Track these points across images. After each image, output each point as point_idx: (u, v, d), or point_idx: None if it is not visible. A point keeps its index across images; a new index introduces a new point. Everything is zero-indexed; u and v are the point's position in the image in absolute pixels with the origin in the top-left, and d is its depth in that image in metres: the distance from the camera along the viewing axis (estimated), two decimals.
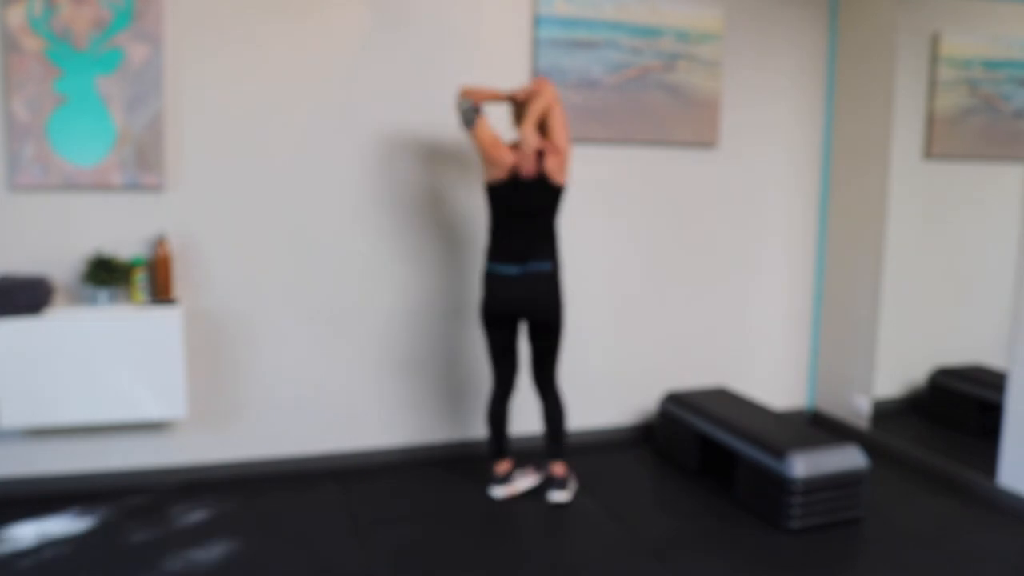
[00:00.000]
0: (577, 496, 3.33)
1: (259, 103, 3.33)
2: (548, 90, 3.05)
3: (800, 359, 4.35)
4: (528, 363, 3.32)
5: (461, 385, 3.75)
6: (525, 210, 3.10)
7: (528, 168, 3.03)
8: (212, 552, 2.80)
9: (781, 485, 3.03)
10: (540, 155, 3.04)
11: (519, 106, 3.15)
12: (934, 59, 3.84)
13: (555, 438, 3.30)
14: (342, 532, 2.99)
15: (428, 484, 3.44)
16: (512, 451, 3.54)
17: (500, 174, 3.06)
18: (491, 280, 3.15)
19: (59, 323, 2.99)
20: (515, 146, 3.08)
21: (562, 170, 3.09)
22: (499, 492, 3.27)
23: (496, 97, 3.16)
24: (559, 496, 3.27)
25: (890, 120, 3.81)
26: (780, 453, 3.06)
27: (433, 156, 3.57)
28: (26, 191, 3.11)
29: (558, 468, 3.30)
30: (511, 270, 3.10)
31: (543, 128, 3.08)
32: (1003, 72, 3.78)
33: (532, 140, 3.01)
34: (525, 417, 3.75)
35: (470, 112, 3.04)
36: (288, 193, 3.41)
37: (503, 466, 3.30)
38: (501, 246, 3.13)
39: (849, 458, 3.10)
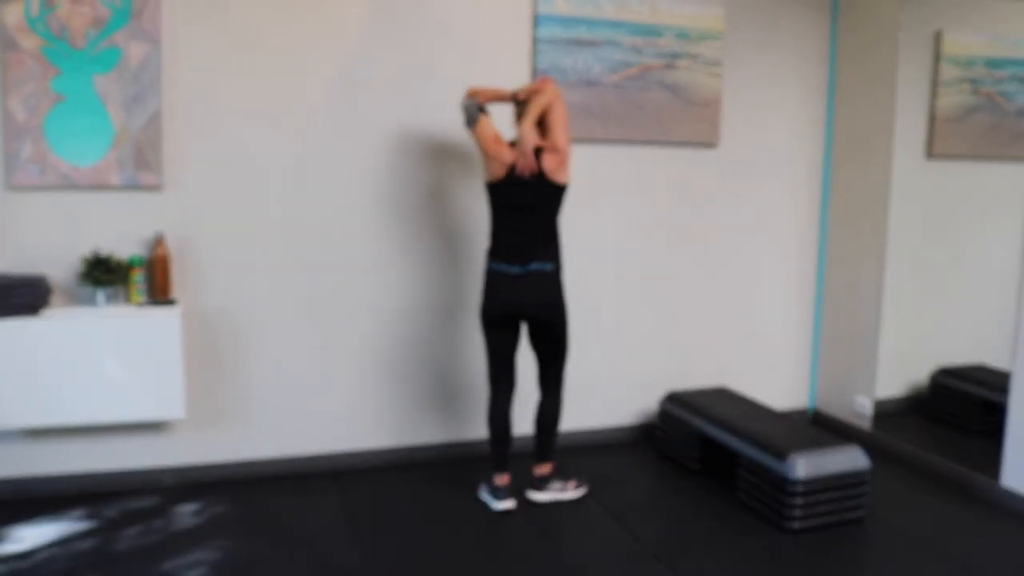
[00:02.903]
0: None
1: (258, 102, 3.31)
2: (549, 88, 3.02)
3: (801, 359, 4.33)
4: (535, 367, 3.28)
5: (461, 385, 3.73)
6: (524, 208, 3.07)
7: (526, 166, 3.00)
8: (210, 553, 2.79)
9: (782, 486, 3.01)
10: (538, 153, 3.02)
11: (521, 105, 3.12)
12: (936, 58, 3.83)
13: (544, 438, 3.26)
14: (340, 533, 2.98)
15: (427, 485, 3.43)
16: (512, 460, 3.45)
17: (500, 172, 3.04)
18: (492, 279, 3.11)
19: (57, 323, 2.98)
20: (515, 144, 3.05)
21: (561, 169, 3.06)
22: (500, 506, 3.18)
23: (500, 97, 3.14)
24: (539, 496, 3.26)
25: (892, 119, 3.80)
26: (781, 454, 3.05)
27: (432, 155, 3.56)
28: (23, 191, 3.09)
29: (543, 468, 3.28)
30: (512, 269, 3.06)
31: (544, 127, 3.05)
32: (1006, 71, 3.76)
33: (530, 137, 2.99)
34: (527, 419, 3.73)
35: (473, 110, 3.05)
36: (287, 193, 3.39)
37: (504, 479, 3.22)
38: (502, 245, 3.10)
39: (851, 459, 3.09)
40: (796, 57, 4.08)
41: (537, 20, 3.58)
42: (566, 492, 3.27)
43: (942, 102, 3.85)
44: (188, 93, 3.22)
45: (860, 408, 4.04)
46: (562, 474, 3.33)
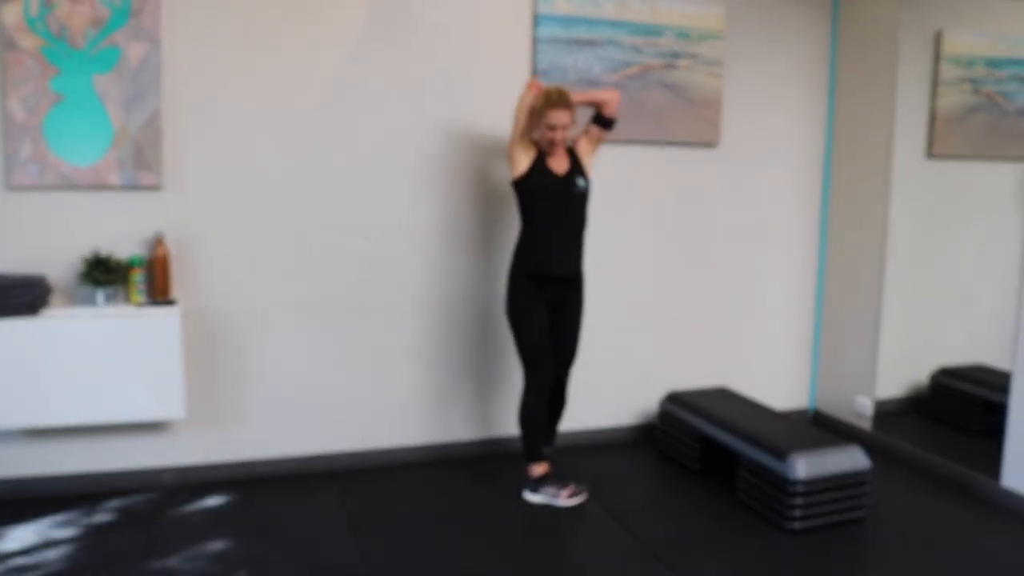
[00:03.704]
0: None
1: (258, 102, 3.31)
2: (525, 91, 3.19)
3: (801, 359, 4.33)
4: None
5: (462, 386, 3.73)
6: None
7: None
8: (209, 553, 2.79)
9: (783, 486, 3.01)
10: None
11: None
12: (936, 57, 3.83)
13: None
14: (340, 533, 2.98)
15: (427, 485, 3.43)
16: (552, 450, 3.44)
17: None
18: None
19: (56, 323, 2.98)
20: None
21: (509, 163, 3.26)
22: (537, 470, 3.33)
23: None
24: (533, 497, 3.28)
25: (892, 119, 3.80)
26: (782, 454, 3.04)
27: (433, 153, 3.55)
28: (23, 191, 3.09)
29: (526, 470, 3.33)
30: None
31: None
32: (1006, 71, 3.76)
33: None
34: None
35: None
36: (286, 192, 3.39)
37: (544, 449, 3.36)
38: None
39: (851, 459, 3.09)
40: (796, 56, 4.07)
41: (537, 20, 3.58)
42: (560, 498, 3.26)
43: (942, 101, 3.85)
44: (188, 93, 3.22)
45: (860, 408, 4.04)
46: (561, 479, 3.32)
